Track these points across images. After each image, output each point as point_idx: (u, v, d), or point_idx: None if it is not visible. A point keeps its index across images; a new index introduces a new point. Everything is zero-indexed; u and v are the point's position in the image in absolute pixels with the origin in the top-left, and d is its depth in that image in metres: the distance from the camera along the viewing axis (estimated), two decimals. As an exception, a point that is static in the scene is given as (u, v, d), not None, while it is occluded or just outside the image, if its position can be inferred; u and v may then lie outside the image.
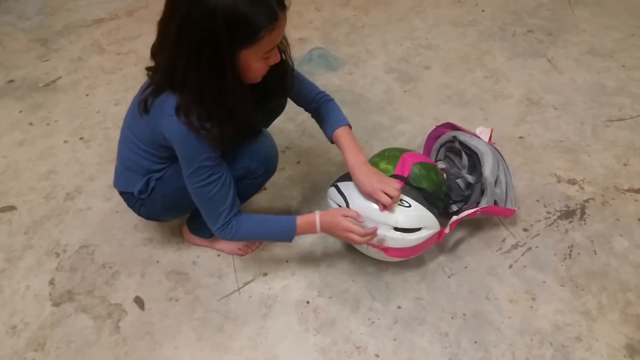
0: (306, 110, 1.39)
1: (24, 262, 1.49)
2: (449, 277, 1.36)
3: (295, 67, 1.26)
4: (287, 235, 1.21)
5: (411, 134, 1.81)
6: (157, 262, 1.47)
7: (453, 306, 1.29)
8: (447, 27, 2.36)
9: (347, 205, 1.24)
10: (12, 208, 1.67)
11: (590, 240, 1.42)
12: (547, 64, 2.07)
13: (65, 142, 1.90)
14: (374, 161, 1.40)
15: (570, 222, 1.47)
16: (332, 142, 1.32)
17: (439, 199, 1.34)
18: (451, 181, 1.46)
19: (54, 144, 1.90)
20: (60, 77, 2.26)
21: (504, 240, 1.44)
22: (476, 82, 2.02)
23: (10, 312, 1.37)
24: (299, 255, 1.45)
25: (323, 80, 2.10)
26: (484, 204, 1.35)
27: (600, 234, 1.44)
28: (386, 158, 1.38)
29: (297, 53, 2.27)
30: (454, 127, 1.51)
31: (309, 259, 1.43)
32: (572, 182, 1.58)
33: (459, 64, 2.13)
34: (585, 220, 1.47)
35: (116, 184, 1.32)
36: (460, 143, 1.45)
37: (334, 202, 1.30)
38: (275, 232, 1.23)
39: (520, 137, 1.75)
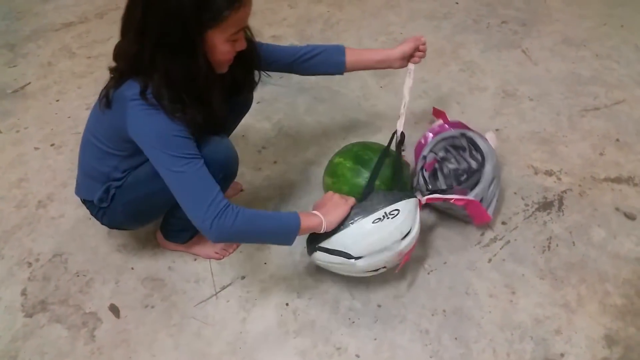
0: (292, 70, 1.36)
1: (-6, 273, 1.45)
2: (428, 273, 1.35)
3: None
4: (291, 229, 1.08)
5: (388, 129, 1.79)
6: (132, 268, 1.43)
7: (433, 303, 1.28)
8: (422, 21, 2.35)
9: (351, 258, 1.15)
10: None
11: (569, 232, 1.42)
12: (521, 55, 2.07)
13: (36, 149, 1.85)
14: (338, 161, 1.40)
15: (549, 213, 1.47)
16: (347, 71, 1.38)
17: (400, 174, 1.34)
18: (448, 169, 1.42)
19: (24, 152, 1.85)
20: (29, 83, 2.20)
21: (482, 234, 1.44)
22: (452, 75, 2.02)
23: (-20, 326, 1.33)
24: (277, 257, 1.42)
25: (298, 78, 2.05)
26: (471, 196, 1.33)
27: (578, 225, 1.44)
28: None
29: (272, 51, 2.25)
30: (463, 127, 1.50)
31: (287, 261, 1.41)
32: (549, 173, 1.59)
33: (434, 58, 2.12)
34: (563, 211, 1.48)
35: (77, 192, 1.29)
36: (468, 139, 1.42)
37: (331, 263, 1.20)
38: (277, 226, 1.09)
39: (496, 130, 1.75)
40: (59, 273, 1.43)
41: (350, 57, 1.35)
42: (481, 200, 1.34)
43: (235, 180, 1.60)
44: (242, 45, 1.06)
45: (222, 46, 1.01)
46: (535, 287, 1.31)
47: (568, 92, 1.91)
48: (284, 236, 1.09)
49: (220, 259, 1.43)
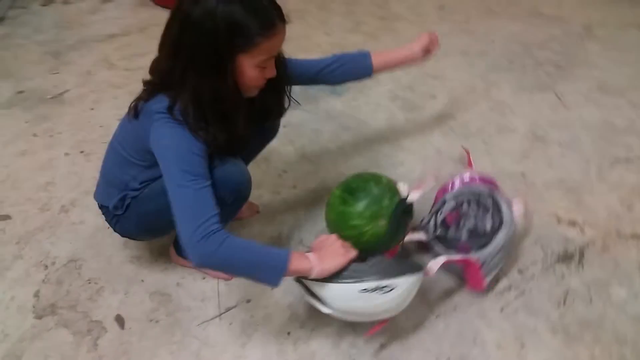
0: (319, 80, 1.37)
1: (12, 272, 1.49)
2: (436, 317, 1.31)
3: (302, 91, 1.29)
4: (277, 269, 1.02)
5: (410, 163, 1.79)
6: (142, 280, 1.45)
7: (438, 348, 1.25)
8: (456, 57, 2.34)
9: (324, 306, 1.12)
10: (7, 217, 1.67)
11: (587, 287, 1.37)
12: (554, 99, 2.03)
13: (67, 154, 1.91)
14: (332, 191, 1.38)
15: (568, 266, 1.42)
16: (375, 73, 1.39)
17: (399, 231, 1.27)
18: (463, 224, 1.38)
19: (55, 156, 1.91)
20: (68, 90, 2.29)
21: (497, 281, 1.39)
22: (481, 114, 2.00)
23: (-8, 322, 1.36)
24: (285, 284, 1.40)
25: (326, 105, 2.09)
26: (473, 257, 1.28)
27: (598, 281, 1.38)
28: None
29: (303, 76, 2.28)
30: (494, 185, 1.44)
31: (294, 289, 1.40)
32: (572, 223, 1.54)
33: (465, 95, 2.11)
34: (583, 265, 1.42)
35: (95, 196, 1.33)
36: (494, 201, 1.36)
37: (303, 294, 1.16)
38: (263, 262, 1.03)
39: (522, 174, 1.71)
40: (72, 278, 1.46)
41: (377, 59, 1.37)
42: (482, 266, 1.29)
43: (253, 201, 1.62)
44: (271, 73, 1.09)
45: (250, 71, 1.03)
46: (546, 342, 1.25)
47: (600, 141, 1.86)
48: (269, 274, 1.03)
49: (228, 279, 1.43)
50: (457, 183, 1.48)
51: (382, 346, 1.26)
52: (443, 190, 1.50)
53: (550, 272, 1.41)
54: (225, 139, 1.06)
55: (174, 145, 1.02)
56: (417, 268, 1.15)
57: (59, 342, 1.31)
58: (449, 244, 1.31)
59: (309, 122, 1.98)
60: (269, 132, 1.43)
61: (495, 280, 1.39)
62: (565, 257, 1.44)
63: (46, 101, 2.23)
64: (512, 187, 1.66)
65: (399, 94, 2.14)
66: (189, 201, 1.00)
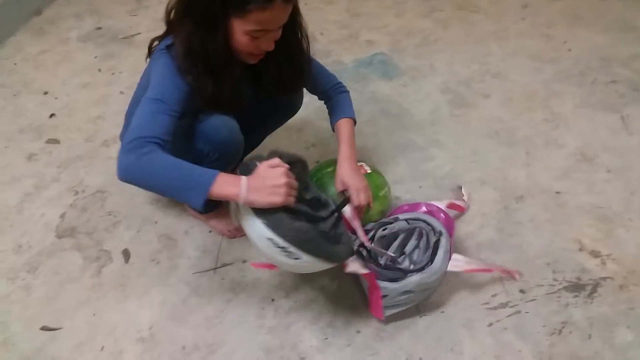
0: (320, 99, 1.41)
1: (48, 192, 1.64)
2: (420, 316, 1.29)
3: (353, 68, 1.27)
4: (200, 188, 0.95)
5: (441, 160, 1.73)
6: (156, 222, 1.54)
7: (412, 347, 1.23)
8: (524, 59, 2.20)
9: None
10: (56, 141, 1.83)
11: (590, 323, 1.27)
12: (618, 122, 1.86)
13: (121, 93, 2.04)
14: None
15: (576, 296, 1.33)
16: (334, 131, 1.35)
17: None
18: (400, 248, 1.30)
19: (110, 93, 2.05)
20: (139, 33, 2.42)
21: (494, 295, 1.34)
22: (533, 123, 1.88)
23: (21, 232, 1.51)
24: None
25: (374, 87, 2.06)
26: (380, 284, 1.20)
27: (604, 318, 1.29)
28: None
29: (360, 54, 2.25)
30: (451, 229, 1.35)
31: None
32: (595, 254, 1.43)
33: (521, 100, 1.99)
34: (593, 299, 1.32)
35: (120, 137, 1.43)
36: (436, 245, 1.25)
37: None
38: (185, 177, 0.97)
39: (557, 192, 1.61)
40: (95, 208, 1.58)
41: (338, 126, 1.33)
42: (384, 297, 1.21)
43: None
44: (268, 46, 1.09)
45: (240, 37, 1.05)
46: (527, 368, 1.20)
47: (656, 175, 1.69)
48: (191, 194, 0.96)
49: (230, 237, 1.48)
50: (423, 208, 1.41)
51: (358, 332, 1.26)
52: (412, 207, 1.43)
53: (554, 298, 1.32)
54: (213, 92, 1.10)
55: (161, 73, 1.07)
56: (336, 257, 1.08)
57: (70, 263, 1.43)
58: (371, 259, 1.23)
59: (353, 101, 1.96)
60: (287, 107, 1.44)
61: (493, 294, 1.33)
62: (576, 287, 1.35)
63: (118, 40, 2.37)
64: (541, 203, 1.57)
65: (451, 87, 2.06)
66: (146, 116, 1.01)
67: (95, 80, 2.12)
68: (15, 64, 2.22)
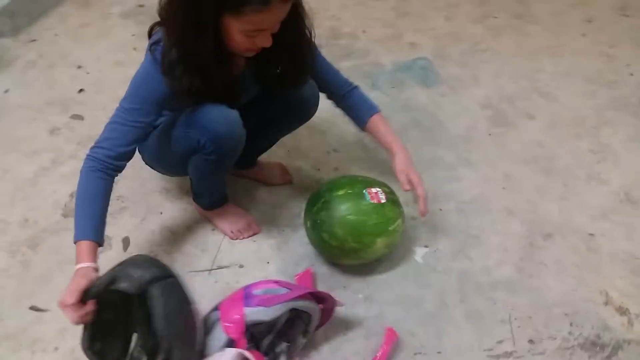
0: (330, 98, 1.37)
1: (64, 168, 1.64)
2: (414, 354, 1.20)
3: (391, 72, 1.21)
4: (75, 231, 1.08)
5: (468, 182, 1.61)
6: (161, 213, 1.51)
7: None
8: (578, 80, 2.03)
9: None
10: (80, 117, 1.83)
11: (603, 388, 1.15)
12: (675, 161, 1.68)
13: (152, 74, 2.01)
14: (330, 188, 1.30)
15: (591, 357, 1.20)
16: (364, 131, 1.36)
17: None
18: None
19: (141, 73, 2.03)
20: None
21: (500, 341, 1.23)
22: (577, 152, 1.72)
23: (30, 206, 1.52)
24: (281, 262, 1.39)
25: (410, 94, 1.94)
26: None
27: (621, 386, 1.15)
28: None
29: (401, 57, 2.13)
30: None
31: (289, 269, 1.36)
32: (622, 311, 1.28)
33: (567, 125, 1.82)
34: (611, 361, 1.19)
35: None
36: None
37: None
38: (76, 214, 1.09)
39: (590, 234, 1.46)
40: (104, 190, 1.56)
41: (373, 124, 1.34)
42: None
43: (290, 171, 1.59)
44: (265, 43, 1.03)
45: (237, 36, 1.00)
46: None
47: None
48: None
49: (233, 239, 1.43)
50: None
51: (345, 361, 1.18)
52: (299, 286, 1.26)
53: (566, 355, 1.20)
54: (199, 89, 1.06)
55: (140, 79, 1.09)
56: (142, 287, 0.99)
57: (70, 245, 1.38)
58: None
59: (383, 108, 1.85)
60: (299, 110, 1.35)
61: (498, 340, 1.22)
62: (594, 345, 1.22)
63: (157, 19, 2.35)
64: (570, 245, 1.43)
65: (493, 103, 1.92)
66: (111, 125, 1.11)
67: (129, 59, 2.11)
68: (56, 34, 2.25)
